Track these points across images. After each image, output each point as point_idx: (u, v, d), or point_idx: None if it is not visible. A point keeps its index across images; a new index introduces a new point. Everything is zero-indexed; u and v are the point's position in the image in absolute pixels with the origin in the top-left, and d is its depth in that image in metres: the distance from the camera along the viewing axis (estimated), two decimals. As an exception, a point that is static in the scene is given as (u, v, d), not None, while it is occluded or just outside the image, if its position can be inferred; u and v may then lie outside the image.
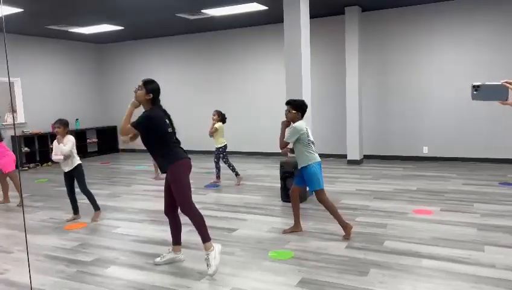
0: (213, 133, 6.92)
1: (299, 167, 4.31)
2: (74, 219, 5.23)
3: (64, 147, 4.92)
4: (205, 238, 3.43)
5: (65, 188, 5.22)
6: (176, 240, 3.73)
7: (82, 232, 4.77)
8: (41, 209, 5.82)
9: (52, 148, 5.21)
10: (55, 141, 5.01)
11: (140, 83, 3.41)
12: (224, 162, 6.99)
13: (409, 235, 4.20)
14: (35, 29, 9.26)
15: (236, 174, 7.05)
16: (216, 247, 3.44)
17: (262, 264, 3.64)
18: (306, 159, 4.22)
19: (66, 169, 5.07)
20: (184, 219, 3.72)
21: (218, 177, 7.15)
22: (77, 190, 5.14)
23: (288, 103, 4.31)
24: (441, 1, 7.98)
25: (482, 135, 7.97)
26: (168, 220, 3.73)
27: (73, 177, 5.12)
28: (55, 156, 4.99)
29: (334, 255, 3.75)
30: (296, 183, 4.45)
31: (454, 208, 5.10)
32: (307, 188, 4.58)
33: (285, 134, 4.31)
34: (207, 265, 3.39)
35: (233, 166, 7.01)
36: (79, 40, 11.14)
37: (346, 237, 4.17)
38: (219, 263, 3.45)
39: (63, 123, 4.99)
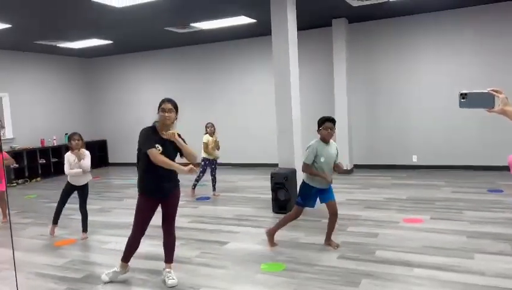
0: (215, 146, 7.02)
1: (329, 183, 4.15)
2: (54, 229, 5.18)
3: (85, 162, 4.87)
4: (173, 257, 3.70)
5: (54, 203, 5.15)
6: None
7: (72, 248, 4.71)
8: (31, 226, 5.75)
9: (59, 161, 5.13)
10: (70, 154, 4.91)
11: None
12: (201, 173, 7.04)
13: (400, 244, 4.23)
14: (24, 44, 9.23)
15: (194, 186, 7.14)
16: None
17: (254, 277, 3.63)
18: None
19: (80, 183, 4.94)
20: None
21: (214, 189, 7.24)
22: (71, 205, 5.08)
23: (333, 120, 4.06)
24: (425, 12, 8.13)
25: (471, 143, 8.08)
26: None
27: (78, 192, 4.99)
28: (72, 170, 4.85)
29: (326, 266, 3.75)
30: (310, 205, 4.24)
31: (444, 216, 5.15)
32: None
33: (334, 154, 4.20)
34: (171, 278, 3.56)
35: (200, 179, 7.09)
36: (68, 55, 11.11)
37: (335, 246, 4.23)
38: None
39: (81, 136, 5.00)
